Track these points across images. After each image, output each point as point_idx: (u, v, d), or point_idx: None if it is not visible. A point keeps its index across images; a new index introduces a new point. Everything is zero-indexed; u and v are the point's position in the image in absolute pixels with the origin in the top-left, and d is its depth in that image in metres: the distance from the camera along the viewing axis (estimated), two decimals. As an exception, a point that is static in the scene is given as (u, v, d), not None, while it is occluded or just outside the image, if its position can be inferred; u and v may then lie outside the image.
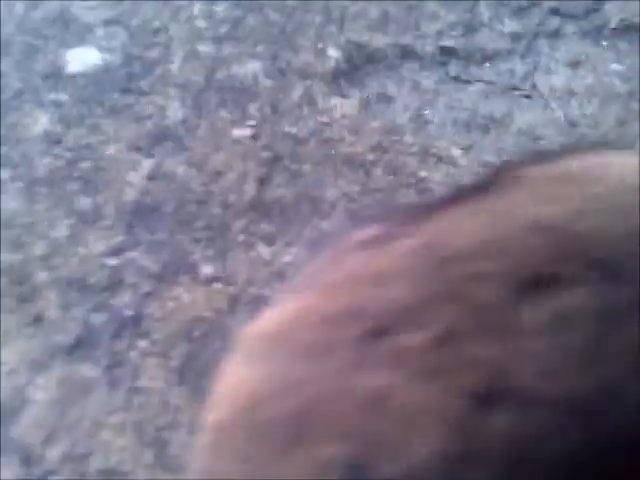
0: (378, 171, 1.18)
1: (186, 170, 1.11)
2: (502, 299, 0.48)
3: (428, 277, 0.51)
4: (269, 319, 0.54)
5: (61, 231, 1.00)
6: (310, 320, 0.52)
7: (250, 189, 1.11)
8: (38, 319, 0.96)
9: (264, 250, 1.06)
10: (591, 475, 0.45)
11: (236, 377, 0.54)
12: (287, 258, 1.04)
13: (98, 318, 0.97)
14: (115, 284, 0.99)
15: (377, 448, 0.47)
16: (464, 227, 0.53)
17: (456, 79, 1.33)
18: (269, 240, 1.07)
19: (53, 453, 0.88)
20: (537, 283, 0.48)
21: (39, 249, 1.01)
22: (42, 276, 0.98)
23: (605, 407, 0.46)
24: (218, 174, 1.12)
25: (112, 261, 1.01)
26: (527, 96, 1.32)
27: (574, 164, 0.58)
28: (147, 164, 1.12)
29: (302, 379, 0.50)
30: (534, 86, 1.33)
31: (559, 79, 1.34)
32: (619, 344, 0.47)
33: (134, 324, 0.97)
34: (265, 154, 1.17)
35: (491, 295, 0.48)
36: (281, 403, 0.50)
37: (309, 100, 1.25)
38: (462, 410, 0.46)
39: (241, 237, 1.07)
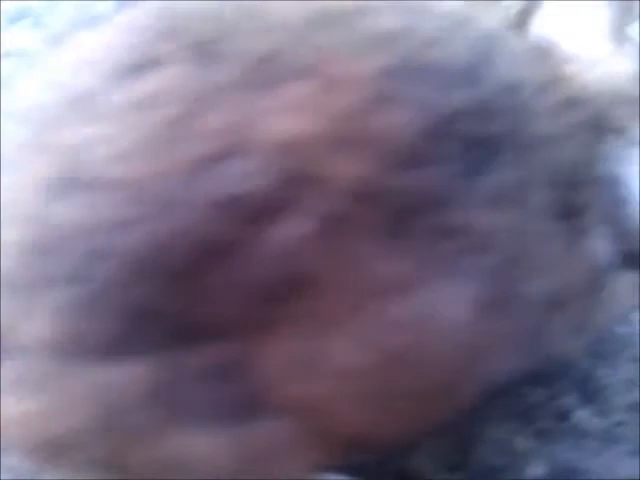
0: None
1: None
2: (99, 85, 0.47)
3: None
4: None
5: None
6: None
7: None
8: None
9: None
10: (155, 271, 0.44)
11: None
12: None
13: None
14: None
15: None
16: None
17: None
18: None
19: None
20: (135, 66, 0.47)
21: None
22: None
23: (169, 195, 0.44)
24: None
25: None
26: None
27: None
28: None
29: None
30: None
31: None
32: (202, 125, 0.45)
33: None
34: None
35: (89, 82, 0.47)
36: None
37: None
38: (35, 200, 0.45)
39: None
